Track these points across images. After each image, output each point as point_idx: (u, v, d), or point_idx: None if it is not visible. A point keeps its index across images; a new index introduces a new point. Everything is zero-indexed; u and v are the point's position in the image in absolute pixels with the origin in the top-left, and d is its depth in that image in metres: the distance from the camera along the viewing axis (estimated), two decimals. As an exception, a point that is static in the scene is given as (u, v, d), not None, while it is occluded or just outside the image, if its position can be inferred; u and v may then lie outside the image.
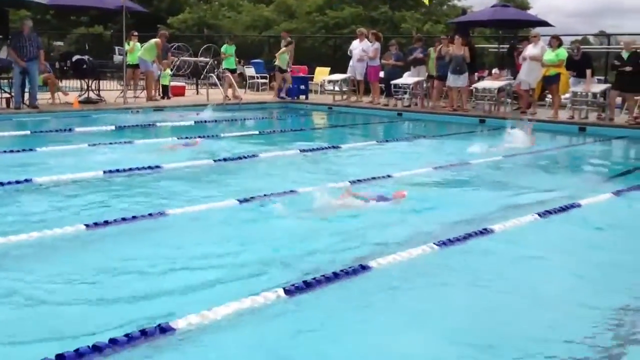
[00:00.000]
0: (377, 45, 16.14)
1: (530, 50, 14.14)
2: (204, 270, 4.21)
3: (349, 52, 16.91)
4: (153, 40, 15.71)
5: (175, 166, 7.58)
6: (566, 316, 3.71)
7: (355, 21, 26.81)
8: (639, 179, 7.75)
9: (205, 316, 3.34)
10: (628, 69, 12.58)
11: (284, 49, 17.00)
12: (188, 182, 6.95)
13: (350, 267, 4.12)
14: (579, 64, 13.48)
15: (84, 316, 3.49)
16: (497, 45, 21.69)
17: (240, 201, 5.87)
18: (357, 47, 16.45)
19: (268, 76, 21.38)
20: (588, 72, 13.39)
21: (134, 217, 5.18)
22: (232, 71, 17.57)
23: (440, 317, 3.63)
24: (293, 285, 3.79)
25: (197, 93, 18.53)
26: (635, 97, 13.08)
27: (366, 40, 16.39)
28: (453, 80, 14.77)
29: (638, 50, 12.89)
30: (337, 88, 17.23)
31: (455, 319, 3.61)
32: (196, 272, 4.19)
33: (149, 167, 7.28)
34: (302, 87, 17.99)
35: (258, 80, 21.53)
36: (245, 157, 8.36)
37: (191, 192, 6.43)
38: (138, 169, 7.20)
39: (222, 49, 17.65)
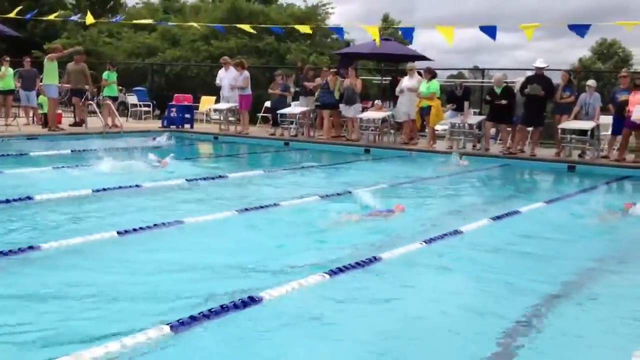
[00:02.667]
0: (246, 74, 16.16)
1: (406, 82, 14.67)
2: (83, 307, 3.90)
3: (216, 82, 16.83)
4: (47, 58, 14.77)
5: (49, 197, 7.09)
6: (451, 344, 3.73)
7: (241, 52, 26.79)
8: (514, 205, 8.09)
9: (80, 358, 3.05)
10: (504, 102, 13.32)
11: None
12: (62, 214, 6.51)
13: (239, 300, 3.95)
14: (461, 99, 14.13)
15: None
16: (379, 78, 22.40)
17: (120, 233, 5.55)
18: (225, 76, 16.43)
19: (151, 104, 20.83)
20: (466, 103, 14.05)
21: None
22: (114, 99, 16.97)
23: (330, 348, 3.54)
24: (178, 320, 3.56)
25: (75, 121, 17.66)
26: (508, 128, 13.86)
27: (232, 69, 16.39)
28: (345, 111, 15.12)
29: (509, 85, 13.70)
30: (222, 117, 17.03)
31: (345, 349, 3.53)
32: (72, 309, 3.86)
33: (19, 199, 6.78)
34: (187, 115, 17.63)
35: (141, 108, 20.93)
36: (127, 187, 7.97)
37: (66, 224, 6.02)
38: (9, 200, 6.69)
39: (104, 76, 17.02)
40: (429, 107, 14.19)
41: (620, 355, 3.53)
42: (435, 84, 14.35)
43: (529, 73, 13.63)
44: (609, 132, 13.27)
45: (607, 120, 13.17)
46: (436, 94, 14.31)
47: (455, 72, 29.49)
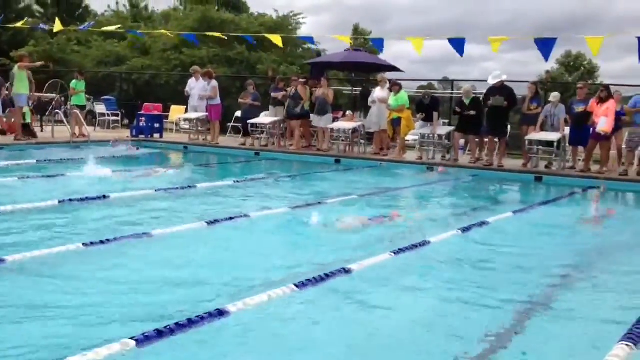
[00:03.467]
0: (214, 83, 16.13)
1: (378, 93, 14.79)
2: (45, 321, 3.82)
3: (186, 91, 16.75)
4: (17, 67, 14.49)
5: (13, 208, 6.95)
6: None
7: (212, 61, 26.68)
8: (483, 216, 8.16)
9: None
10: (472, 113, 13.48)
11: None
12: (31, 228, 6.38)
13: (206, 313, 3.90)
14: (429, 107, 14.24)
15: None
16: (350, 88, 22.50)
17: (86, 245, 5.46)
18: (196, 86, 16.38)
19: (119, 113, 20.63)
20: (435, 114, 14.17)
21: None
22: (82, 108, 16.77)
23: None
24: (144, 334, 3.51)
25: (42, 130, 17.40)
26: (476, 139, 14.01)
27: (201, 79, 16.33)
28: (316, 121, 15.18)
29: (478, 96, 13.87)
30: (192, 127, 16.93)
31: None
32: (34, 323, 3.78)
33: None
34: (157, 125, 17.48)
35: (109, 117, 20.71)
36: (94, 198, 7.86)
37: (31, 236, 5.90)
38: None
39: (72, 85, 16.81)
40: (399, 119, 14.32)
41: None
42: (403, 96, 14.47)
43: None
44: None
45: (567, 131, 13.41)
46: (405, 106, 14.44)
47: (425, 83, 29.74)
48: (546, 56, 13.14)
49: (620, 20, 60.87)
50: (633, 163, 13.04)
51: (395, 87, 14.51)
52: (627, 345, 3.50)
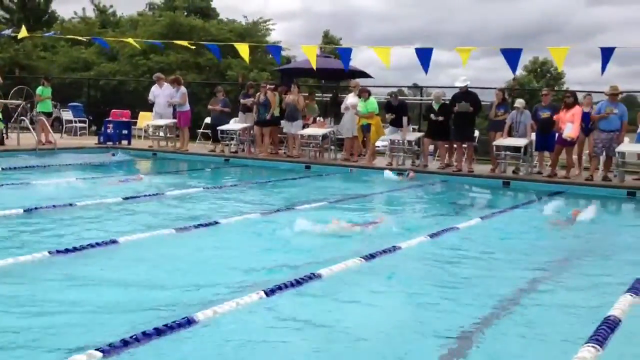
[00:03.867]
0: (183, 90, 16.03)
1: (350, 99, 14.84)
2: (7, 332, 3.73)
3: (149, 99, 16.60)
4: None
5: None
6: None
7: (181, 67, 26.54)
8: (452, 221, 8.22)
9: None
10: (440, 118, 13.60)
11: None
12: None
13: (174, 321, 3.85)
14: (397, 110, 14.29)
15: None
16: (320, 94, 22.52)
17: (52, 253, 5.37)
18: (161, 93, 16.21)
19: (87, 120, 20.37)
20: (404, 119, 14.25)
21: None
22: (48, 115, 16.51)
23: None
24: (109, 344, 3.45)
25: (7, 137, 17.07)
26: (445, 145, 14.13)
27: (167, 85, 16.20)
28: (287, 127, 15.17)
29: (447, 102, 14.00)
30: (162, 134, 16.77)
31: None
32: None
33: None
34: (125, 131, 17.29)
35: (76, 124, 20.43)
36: (60, 206, 7.73)
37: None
38: None
39: (38, 92, 16.55)
40: (368, 125, 14.38)
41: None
42: (372, 102, 14.56)
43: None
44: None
45: (534, 137, 13.61)
46: (375, 112, 14.52)
47: (395, 90, 29.90)
48: (513, 68, 13.36)
49: (583, 27, 62.16)
50: (598, 168, 13.28)
51: (364, 93, 14.57)
52: (592, 347, 3.55)
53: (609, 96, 12.62)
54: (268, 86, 15.67)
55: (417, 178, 12.97)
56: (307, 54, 15.57)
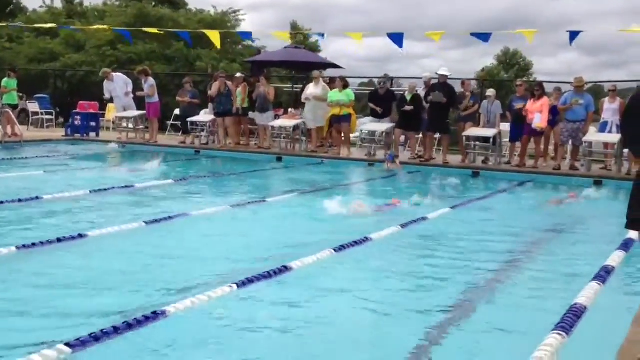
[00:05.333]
0: (151, 81, 15.86)
1: (311, 89, 14.68)
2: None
3: (105, 97, 16.42)
4: None
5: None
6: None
7: (150, 57, 26.21)
8: (422, 211, 8.25)
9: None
10: (408, 108, 13.65)
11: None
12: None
13: (142, 315, 3.82)
14: (384, 99, 14.20)
15: None
16: (291, 85, 22.48)
17: (19, 248, 5.27)
18: (114, 87, 16.07)
19: (54, 112, 20.03)
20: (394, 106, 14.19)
21: None
22: (14, 107, 16.20)
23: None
24: (79, 339, 3.40)
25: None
26: (417, 136, 14.21)
27: (116, 77, 16.19)
28: (257, 118, 15.09)
29: (418, 93, 14.05)
30: (131, 125, 16.57)
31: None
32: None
33: None
34: (93, 123, 17.05)
35: (43, 116, 20.08)
36: (26, 200, 7.59)
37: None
38: None
39: (3, 83, 16.21)
40: (348, 115, 14.22)
41: None
42: (351, 92, 14.53)
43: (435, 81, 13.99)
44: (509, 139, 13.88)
45: (506, 127, 13.76)
46: (353, 102, 14.49)
47: (366, 80, 29.97)
48: (486, 40, 13.69)
49: (554, 19, 62.97)
50: (565, 157, 13.48)
51: (339, 82, 14.40)
52: (559, 334, 3.60)
53: (574, 87, 12.81)
54: (220, 76, 15.48)
55: (392, 169, 12.94)
56: (280, 36, 15.67)
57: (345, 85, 14.42)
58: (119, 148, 14.70)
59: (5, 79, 16.27)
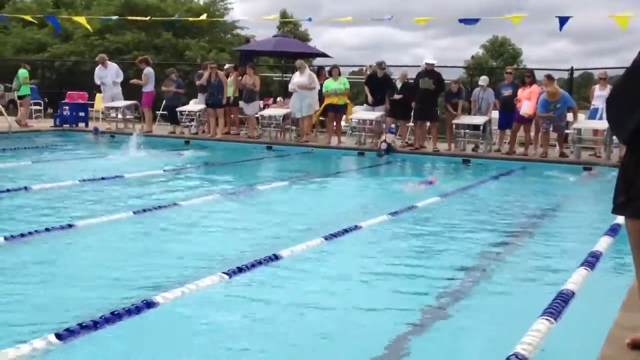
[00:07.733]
0: (146, 70, 15.75)
1: (297, 78, 14.54)
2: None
3: (96, 82, 16.45)
4: None
5: None
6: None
7: (138, 47, 26.01)
8: (411, 200, 8.24)
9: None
10: (397, 96, 13.64)
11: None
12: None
13: (133, 305, 3.81)
14: (381, 84, 14.13)
15: None
16: (280, 74, 22.41)
17: (7, 238, 5.25)
18: (107, 74, 16.07)
19: (42, 102, 19.88)
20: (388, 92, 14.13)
21: None
22: (25, 97, 16.25)
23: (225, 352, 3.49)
24: (67, 329, 3.39)
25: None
26: (407, 124, 14.20)
27: (111, 65, 16.22)
28: (245, 108, 15.04)
29: (409, 81, 14.02)
30: (120, 115, 16.47)
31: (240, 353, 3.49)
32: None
33: None
34: (82, 113, 16.94)
35: (31, 107, 19.89)
36: (14, 190, 7.55)
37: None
38: None
39: (22, 74, 16.15)
40: (344, 105, 14.17)
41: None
42: (346, 81, 14.52)
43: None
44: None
45: (495, 115, 13.76)
46: (348, 90, 14.46)
47: (356, 69, 29.86)
48: (472, 23, 13.92)
49: (544, 6, 62.94)
50: (552, 145, 13.48)
51: (335, 70, 14.32)
52: (547, 320, 3.63)
53: (547, 94, 12.46)
54: (210, 66, 15.40)
55: (379, 156, 12.94)
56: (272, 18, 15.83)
57: (339, 74, 14.39)
58: (95, 136, 14.62)
59: (21, 70, 16.28)
